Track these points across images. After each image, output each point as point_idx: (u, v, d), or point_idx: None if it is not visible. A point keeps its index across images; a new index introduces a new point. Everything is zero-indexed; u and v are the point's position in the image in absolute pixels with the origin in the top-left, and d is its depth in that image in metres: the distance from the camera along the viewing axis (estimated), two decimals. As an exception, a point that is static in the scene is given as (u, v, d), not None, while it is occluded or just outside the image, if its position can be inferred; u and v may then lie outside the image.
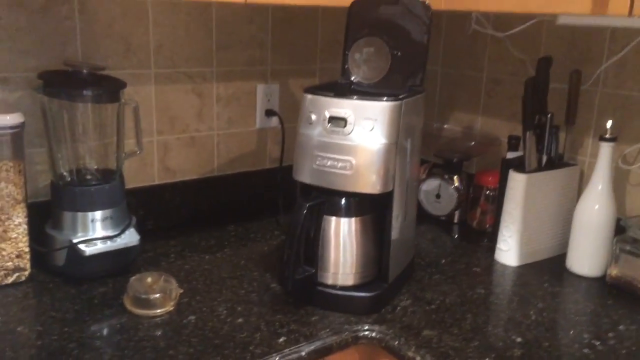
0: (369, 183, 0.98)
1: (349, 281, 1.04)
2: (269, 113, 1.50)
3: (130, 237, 1.11)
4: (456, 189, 1.46)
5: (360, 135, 0.97)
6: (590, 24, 1.22)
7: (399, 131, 0.98)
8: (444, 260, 1.25)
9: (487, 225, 1.43)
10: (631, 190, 1.24)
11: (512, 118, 1.42)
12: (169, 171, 1.38)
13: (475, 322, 1.01)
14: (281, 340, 0.93)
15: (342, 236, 1.03)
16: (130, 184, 1.29)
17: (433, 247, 1.34)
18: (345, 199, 1.02)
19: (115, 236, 1.10)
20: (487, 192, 1.42)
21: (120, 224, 1.13)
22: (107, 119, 1.14)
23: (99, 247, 1.07)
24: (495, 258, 1.27)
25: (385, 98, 0.97)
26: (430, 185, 1.48)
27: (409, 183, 1.07)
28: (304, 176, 1.03)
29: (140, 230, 1.15)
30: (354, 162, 0.97)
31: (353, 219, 1.02)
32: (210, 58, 1.38)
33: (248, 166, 1.51)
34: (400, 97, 0.99)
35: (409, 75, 1.09)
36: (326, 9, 1.53)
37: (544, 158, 1.22)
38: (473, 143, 1.49)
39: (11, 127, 1.01)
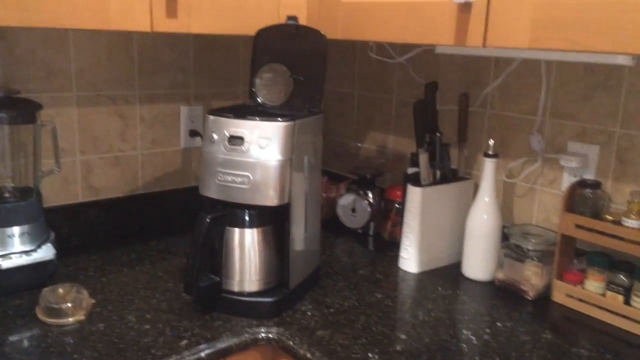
0: (266, 196, 1.07)
1: (254, 287, 1.12)
2: (193, 133, 1.58)
3: (46, 252, 1.17)
4: (369, 203, 1.56)
5: (256, 152, 1.06)
6: (465, 54, 1.36)
7: (294, 149, 1.08)
8: (352, 270, 1.35)
9: (398, 237, 1.53)
10: (517, 201, 1.37)
11: (418, 136, 1.54)
12: (93, 189, 1.44)
13: (367, 323, 1.10)
14: (183, 343, 1.00)
15: (246, 246, 1.11)
16: (53, 202, 1.35)
17: (345, 257, 1.44)
18: (246, 211, 1.11)
19: (32, 251, 1.16)
20: (397, 205, 1.52)
21: (37, 239, 1.18)
22: (24, 139, 1.20)
23: (15, 261, 1.12)
24: (399, 266, 1.37)
25: (279, 119, 1.07)
26: (347, 200, 1.58)
27: (308, 196, 1.16)
28: (210, 191, 1.11)
29: (63, 246, 1.22)
30: (251, 177, 1.06)
31: (254, 230, 1.11)
32: (132, 82, 1.46)
33: (173, 184, 1.58)
34: (295, 117, 1.08)
35: (309, 98, 1.19)
36: (246, 36, 1.63)
37: (438, 173, 1.34)
38: (384, 160, 1.60)
39: None
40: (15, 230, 1.15)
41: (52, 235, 1.23)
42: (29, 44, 1.28)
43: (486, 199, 1.29)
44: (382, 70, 1.62)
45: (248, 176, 1.06)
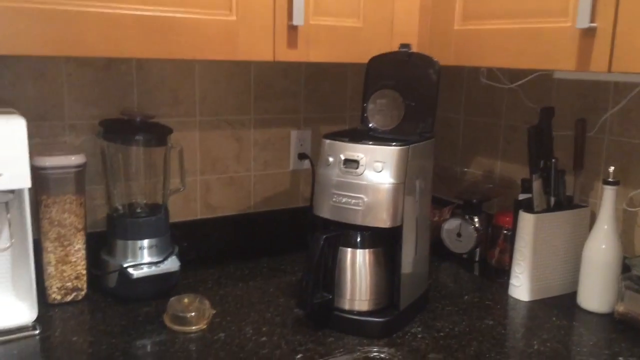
0: (379, 218, 1.10)
1: (364, 307, 1.14)
2: (302, 156, 1.65)
3: (172, 264, 1.26)
4: (476, 228, 1.54)
5: (371, 175, 1.09)
6: (584, 79, 1.32)
7: (407, 173, 1.10)
8: (459, 294, 1.34)
9: (506, 264, 1.50)
10: (638, 231, 1.30)
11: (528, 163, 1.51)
12: (210, 207, 1.54)
13: (479, 349, 1.09)
14: (298, 357, 1.04)
15: (358, 266, 1.14)
16: (175, 218, 1.46)
17: (451, 282, 1.43)
18: (359, 233, 1.14)
19: (159, 262, 1.25)
20: (505, 231, 1.50)
21: (164, 252, 1.28)
22: (156, 160, 1.31)
23: (145, 271, 1.22)
24: (509, 293, 1.34)
25: (394, 143, 1.10)
26: (452, 224, 1.58)
27: (419, 220, 1.18)
28: (324, 212, 1.15)
29: (182, 259, 1.30)
30: (365, 199, 1.10)
31: (367, 251, 1.14)
32: (248, 107, 1.55)
33: (281, 204, 1.65)
34: (408, 142, 1.11)
35: (421, 122, 1.21)
36: (355, 64, 1.68)
37: (552, 200, 1.30)
38: (491, 185, 1.58)
39: (75, 167, 1.19)
40: (145, 243, 1.25)
41: (177, 248, 1.33)
42: (160, 73, 1.41)
43: (605, 227, 1.24)
44: (491, 95, 1.61)
45: (362, 198, 1.10)
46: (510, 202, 1.55)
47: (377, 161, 1.09)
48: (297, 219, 1.66)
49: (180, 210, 1.49)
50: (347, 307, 1.15)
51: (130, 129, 1.25)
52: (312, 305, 1.11)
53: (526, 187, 1.42)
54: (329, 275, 1.14)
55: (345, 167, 1.12)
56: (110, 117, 1.31)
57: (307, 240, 1.62)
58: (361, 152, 1.11)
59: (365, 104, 1.26)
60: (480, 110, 1.66)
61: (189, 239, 1.50)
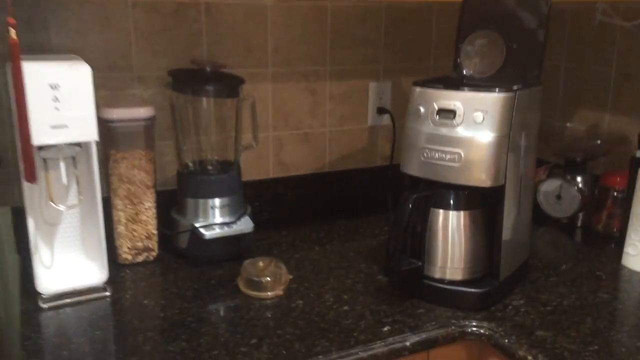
0: (478, 176, 0.96)
1: (458, 276, 1.02)
2: (381, 111, 1.51)
3: (245, 225, 1.18)
4: (579, 190, 1.37)
5: (469, 127, 0.95)
6: None
7: (512, 125, 0.95)
8: (563, 263, 1.18)
9: (615, 230, 1.32)
10: None
11: (644, 114, 1.31)
12: (283, 165, 1.44)
13: (595, 326, 0.94)
14: (385, 329, 0.94)
15: (451, 230, 1.01)
16: (247, 176, 1.37)
17: (552, 249, 1.27)
18: (453, 192, 1.00)
19: (232, 222, 1.17)
20: (615, 193, 1.32)
21: (236, 212, 1.20)
22: (227, 113, 1.22)
23: (217, 231, 1.14)
24: (623, 263, 1.18)
25: (497, 89, 0.95)
26: (551, 185, 1.41)
27: (522, 180, 1.03)
28: (412, 169, 1.02)
29: (255, 219, 1.22)
30: (463, 154, 0.96)
31: (462, 213, 1.00)
32: (324, 57, 1.42)
33: (359, 163, 1.53)
34: (514, 88, 0.96)
35: (525, 69, 1.05)
36: (441, 6, 1.52)
37: (680, 156, 1.12)
38: (599, 142, 1.39)
39: (144, 119, 1.11)
40: (217, 202, 1.17)
41: (249, 209, 1.24)
42: (231, 20, 1.30)
43: None
44: (600, 38, 1.41)
45: (459, 153, 0.96)
46: (621, 161, 1.36)
47: (478, 110, 0.94)
48: (375, 179, 1.53)
49: (252, 168, 1.40)
50: (438, 275, 1.02)
51: (200, 78, 1.15)
52: (400, 273, 1.00)
53: (644, 142, 1.23)
54: (418, 240, 1.02)
55: (440, 118, 0.98)
56: (180, 67, 1.22)
57: (388, 201, 1.51)
58: (458, 100, 0.96)
59: (459, 47, 1.10)
60: (585, 55, 1.46)
61: (262, 199, 1.41)
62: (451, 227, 1.01)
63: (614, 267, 1.17)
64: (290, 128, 1.43)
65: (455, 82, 1.01)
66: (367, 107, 1.51)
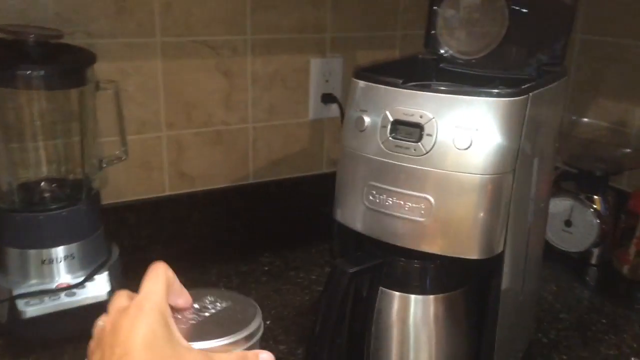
0: (459, 242, 0.55)
1: (422, 397, 0.62)
2: (327, 99, 1.09)
3: (97, 288, 0.76)
4: (597, 214, 0.98)
5: (446, 156, 0.54)
6: None
7: (519, 151, 0.54)
8: (580, 333, 0.79)
9: (645, 274, 0.94)
10: None
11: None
12: (185, 178, 1.02)
13: None
14: None
15: (413, 325, 0.60)
16: (127, 196, 0.95)
17: (560, 306, 0.88)
18: (417, 265, 0.60)
19: (78, 285, 0.75)
20: (650, 224, 0.93)
21: (91, 264, 0.78)
22: (71, 110, 0.78)
23: (47, 305, 0.72)
24: (667, 338, 0.79)
25: (497, 89, 0.53)
26: (558, 206, 1.01)
27: (531, 234, 0.62)
28: (350, 218, 0.61)
29: (139, 257, 0.81)
30: (433, 202, 0.54)
31: (431, 298, 0.60)
32: (242, 22, 0.98)
33: (296, 171, 1.11)
34: (526, 87, 0.54)
35: (538, 46, 0.64)
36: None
37: None
38: (629, 150, 0.99)
39: None
40: (55, 252, 0.75)
41: (115, 253, 0.82)
42: (89, -38, 0.85)
43: None
44: (631, 3, 1.00)
45: (427, 200, 0.55)
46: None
47: (462, 127, 0.53)
48: (319, 192, 1.11)
49: (137, 184, 0.98)
50: (392, 392, 0.63)
51: (15, 57, 0.71)
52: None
53: None
54: (359, 338, 0.62)
55: (396, 137, 0.56)
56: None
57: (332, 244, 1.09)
58: (428, 107, 0.54)
59: (434, 9, 0.68)
60: (610, 25, 1.04)
61: (152, 227, 0.99)
62: (413, 320, 0.60)
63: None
64: (195, 125, 1.00)
65: (422, 72, 0.59)
66: (308, 94, 1.08)
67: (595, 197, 0.99)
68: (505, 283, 0.59)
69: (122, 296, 0.41)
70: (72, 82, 0.74)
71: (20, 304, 0.71)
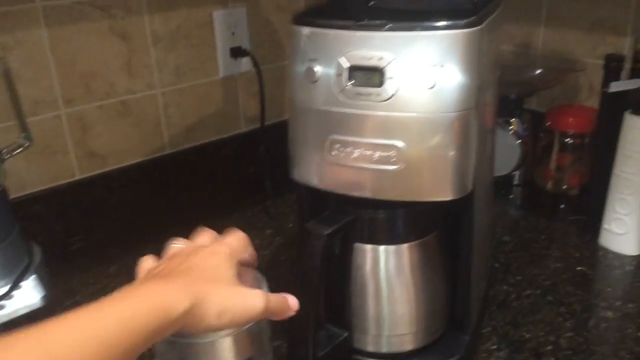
0: (435, 185, 0.53)
1: (406, 345, 0.61)
2: (237, 52, 1.02)
3: (28, 295, 0.67)
4: (517, 135, 1.01)
5: (412, 100, 0.51)
6: None
7: (480, 82, 0.53)
8: (526, 255, 0.83)
9: (566, 187, 1.00)
10: None
11: (600, 27, 0.96)
12: (95, 157, 0.91)
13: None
14: None
15: (386, 275, 0.59)
16: (32, 187, 0.84)
17: (500, 230, 0.91)
18: (388, 214, 0.57)
19: (1, 298, 0.65)
20: (567, 139, 0.98)
21: (13, 269, 0.68)
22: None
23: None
24: (602, 244, 0.85)
25: (460, 21, 0.50)
26: (477, 133, 1.03)
27: (489, 166, 0.63)
28: (311, 176, 0.57)
29: (61, 254, 0.72)
30: (403, 147, 0.52)
31: (406, 247, 0.58)
32: (133, -25, 0.88)
33: (215, 133, 1.04)
34: (480, 14, 0.52)
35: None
36: None
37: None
38: (539, 71, 1.03)
39: None
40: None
41: (37, 257, 0.72)
42: None
43: None
44: None
45: (396, 146, 0.52)
46: (564, 91, 1.03)
47: (424, 66, 0.50)
48: (241, 153, 1.06)
49: (41, 172, 0.86)
50: (372, 347, 0.61)
51: None
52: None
53: (613, 69, 0.87)
54: (337, 295, 0.59)
55: (354, 85, 0.52)
56: None
57: (264, 185, 1.04)
58: (387, 48, 0.51)
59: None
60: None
61: (66, 218, 0.89)
62: (389, 271, 0.59)
63: (592, 252, 0.84)
64: (97, 97, 0.89)
65: (358, 13, 0.55)
66: (215, 50, 1.00)
67: (513, 119, 1.03)
68: (476, 219, 0.58)
69: (207, 235, 0.49)
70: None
71: (-64, 333, 0.60)
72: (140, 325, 0.35)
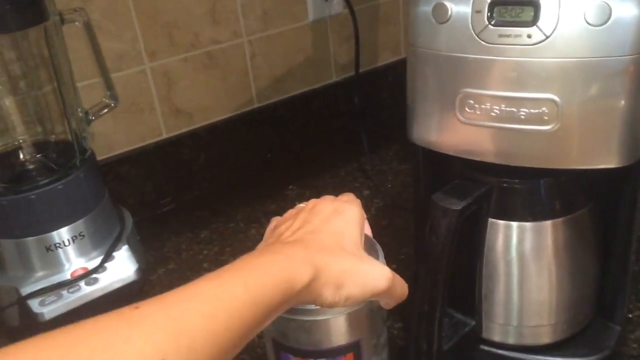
0: (596, 148, 0.43)
1: (544, 337, 0.52)
2: (327, -7, 0.92)
3: (122, 266, 0.63)
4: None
5: (575, 37, 0.40)
6: None
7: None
8: None
9: None
10: None
11: None
12: (182, 115, 0.86)
13: None
14: None
15: (531, 257, 0.49)
16: (120, 147, 0.80)
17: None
18: (537, 186, 0.47)
19: (97, 269, 0.61)
20: None
21: (105, 239, 0.64)
22: (39, 54, 0.61)
23: (67, 301, 0.59)
24: None
25: None
26: None
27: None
28: (436, 138, 0.48)
29: (151, 218, 0.68)
30: (560, 102, 0.41)
31: (550, 223, 0.48)
32: None
33: (305, 84, 0.96)
34: None
35: None
36: None
37: None
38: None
39: None
40: (59, 236, 0.61)
41: (129, 224, 0.68)
42: None
43: None
44: None
45: (552, 101, 0.41)
46: None
47: (589, 3, 0.39)
48: (333, 105, 0.98)
49: (128, 132, 0.82)
50: (508, 339, 0.53)
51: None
52: (442, 356, 0.49)
53: None
54: (465, 278, 0.51)
55: (498, 23, 0.42)
56: None
57: (360, 140, 0.96)
58: (544, -25, 0.40)
59: None
60: None
61: (155, 180, 0.84)
62: (526, 251, 0.49)
63: None
64: (181, 49, 0.83)
65: None
66: (304, -10, 0.91)
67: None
68: (640, 189, 0.47)
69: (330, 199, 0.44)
70: (31, 19, 0.56)
71: (34, 304, 0.58)
72: (268, 299, 0.33)
